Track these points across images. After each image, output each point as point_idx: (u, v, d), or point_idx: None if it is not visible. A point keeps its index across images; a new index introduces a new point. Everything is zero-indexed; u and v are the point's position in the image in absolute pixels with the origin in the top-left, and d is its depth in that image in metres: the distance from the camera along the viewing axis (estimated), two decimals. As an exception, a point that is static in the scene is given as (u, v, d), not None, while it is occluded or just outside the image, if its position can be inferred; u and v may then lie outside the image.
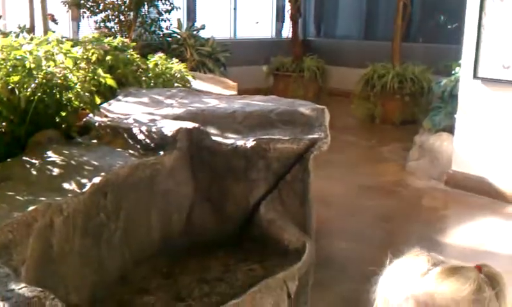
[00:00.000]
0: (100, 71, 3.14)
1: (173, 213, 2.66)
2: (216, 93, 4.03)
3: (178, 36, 7.65)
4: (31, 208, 1.90)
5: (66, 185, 2.16)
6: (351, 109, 7.78)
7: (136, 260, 2.40)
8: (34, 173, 2.25)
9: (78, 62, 3.31)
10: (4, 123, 2.54)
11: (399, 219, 4.62)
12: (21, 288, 1.40)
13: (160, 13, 7.46)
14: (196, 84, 4.37)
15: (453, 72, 5.66)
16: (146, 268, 2.40)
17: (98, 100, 3.04)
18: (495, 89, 4.83)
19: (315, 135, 2.86)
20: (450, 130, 5.34)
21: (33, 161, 2.34)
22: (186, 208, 2.72)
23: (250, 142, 2.74)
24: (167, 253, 2.54)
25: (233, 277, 2.42)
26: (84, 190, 2.14)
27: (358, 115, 7.78)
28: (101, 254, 2.21)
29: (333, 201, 4.78)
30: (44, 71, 2.73)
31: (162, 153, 2.64)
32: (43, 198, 2.01)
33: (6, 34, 3.77)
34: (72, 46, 3.52)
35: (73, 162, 2.37)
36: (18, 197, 2.01)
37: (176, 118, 2.93)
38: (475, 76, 4.90)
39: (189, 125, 2.77)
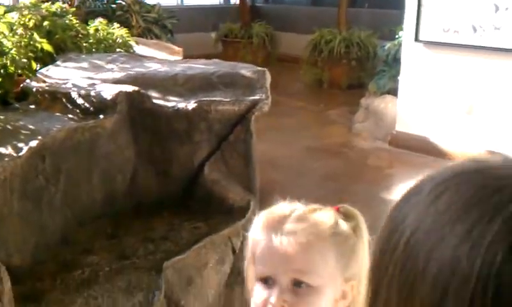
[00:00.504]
0: (36, 36, 3.07)
1: (116, 175, 2.66)
2: (160, 58, 4.00)
3: (123, 3, 7.50)
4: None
5: (2, 150, 2.13)
6: (300, 74, 7.85)
7: (79, 222, 2.40)
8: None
9: (14, 27, 3.22)
10: None
11: (345, 178, 4.74)
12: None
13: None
14: (140, 49, 4.32)
15: (397, 36, 5.78)
16: (90, 230, 2.41)
17: (35, 66, 2.97)
18: (435, 51, 4.98)
19: (256, 97, 2.89)
20: (394, 92, 5.48)
21: (-33, 127, 2.30)
22: (129, 170, 2.72)
23: (191, 104, 2.75)
24: (111, 215, 2.55)
25: (178, 235, 2.45)
26: (20, 154, 2.12)
27: (306, 80, 7.86)
28: (42, 216, 2.20)
29: (280, 163, 4.87)
30: (-24, 36, 2.65)
31: (101, 116, 2.62)
32: (-22, 164, 1.97)
33: None
34: (8, 12, 3.42)
35: (9, 127, 2.33)
36: None
37: (117, 82, 2.90)
38: (416, 39, 5.02)
39: (129, 88, 2.75)
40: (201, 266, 2.35)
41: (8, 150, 2.13)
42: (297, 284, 1.01)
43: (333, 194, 4.48)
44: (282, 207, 1.07)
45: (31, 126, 2.34)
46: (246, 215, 2.69)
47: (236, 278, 2.69)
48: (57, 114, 2.60)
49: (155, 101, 2.79)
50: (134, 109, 2.73)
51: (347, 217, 1.08)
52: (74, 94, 2.73)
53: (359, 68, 7.61)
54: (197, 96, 2.84)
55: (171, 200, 2.73)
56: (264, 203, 3.08)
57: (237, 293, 2.72)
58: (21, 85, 2.94)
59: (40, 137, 2.24)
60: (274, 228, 1.03)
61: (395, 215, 0.52)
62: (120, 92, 2.70)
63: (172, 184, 2.77)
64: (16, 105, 2.71)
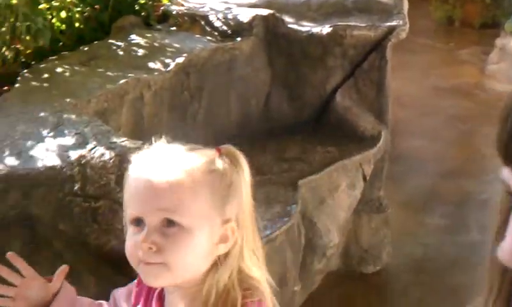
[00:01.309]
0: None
1: (251, 98, 2.73)
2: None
3: None
4: (122, 81, 2.01)
5: (151, 65, 2.26)
6: (429, 10, 7.45)
7: (217, 139, 2.49)
8: (121, 53, 2.36)
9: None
10: (88, 9, 2.64)
11: (475, 120, 4.50)
12: (123, 141, 1.52)
13: None
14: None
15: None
16: (227, 148, 2.51)
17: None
18: None
19: (394, 23, 2.80)
20: (534, 31, 5.05)
21: (118, 43, 2.45)
22: (264, 93, 2.78)
23: (326, 29, 2.73)
24: (245, 135, 2.63)
25: (311, 157, 2.49)
26: (168, 69, 2.24)
27: (435, 17, 7.45)
28: (186, 129, 2.33)
29: (407, 101, 4.71)
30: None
31: (239, 39, 2.68)
32: (131, 75, 2.11)
33: None
34: None
35: (156, 44, 2.46)
36: (108, 73, 2.12)
37: (252, 6, 2.94)
38: None
39: (265, 12, 2.77)
40: (333, 188, 2.38)
41: (157, 65, 2.25)
42: (167, 224, 0.93)
43: (462, 136, 4.29)
44: (157, 146, 1.00)
45: (175, 45, 2.46)
46: (377, 144, 2.66)
47: (364, 206, 2.70)
48: (197, 35, 2.69)
49: (289, 25, 2.80)
50: (269, 32, 2.75)
51: (229, 157, 1.01)
52: (212, 17, 2.80)
53: (494, 6, 7.06)
54: (331, 22, 2.81)
55: (303, 125, 2.77)
56: (392, 141, 3.01)
57: (364, 220, 2.74)
58: (161, 8, 3.07)
59: (185, 55, 2.34)
60: (145, 166, 0.96)
61: None
62: (256, 15, 2.73)
63: (304, 109, 2.80)
64: (159, 27, 2.83)
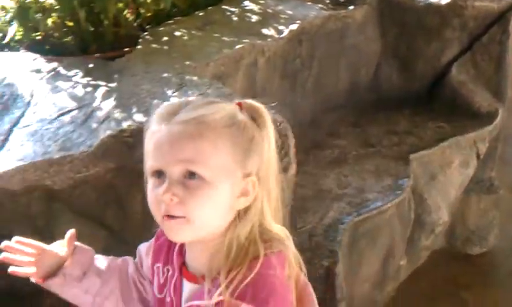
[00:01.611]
0: None
1: (360, 68, 2.68)
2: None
3: None
4: (238, 46, 2.04)
5: (265, 31, 2.27)
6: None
7: (324, 108, 2.49)
8: (235, 19, 2.39)
9: None
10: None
11: None
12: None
13: None
14: None
15: None
16: (334, 117, 2.49)
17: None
18: None
19: (519, -5, 2.63)
20: None
21: (232, 9, 2.48)
22: (374, 64, 2.72)
23: (446, -1, 2.61)
24: (353, 105, 2.60)
25: (422, 132, 2.42)
26: (282, 35, 2.24)
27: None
28: (296, 97, 2.34)
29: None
30: None
31: (352, 7, 2.63)
32: (246, 40, 2.13)
33: None
34: None
35: (269, 11, 2.47)
36: (224, 38, 2.16)
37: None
38: None
39: (380, -21, 2.69)
40: (445, 164, 2.30)
41: (271, 32, 2.26)
42: (189, 176, 0.91)
43: None
44: (179, 100, 1.02)
45: (288, 12, 2.45)
46: (493, 122, 2.54)
47: (474, 186, 2.59)
48: (309, 3, 2.66)
49: (404, -5, 2.70)
50: (383, 1, 2.68)
51: (250, 110, 0.97)
52: (324, -15, 2.76)
53: None
54: (450, -8, 2.68)
55: (412, 98, 2.68)
56: (508, 120, 2.84)
57: (473, 200, 2.63)
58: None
59: (298, 22, 2.33)
60: (166, 119, 0.94)
61: None
62: (371, -17, 2.66)
63: (415, 81, 2.71)
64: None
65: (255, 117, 0.97)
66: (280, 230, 1.01)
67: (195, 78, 1.74)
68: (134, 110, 1.58)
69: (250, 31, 2.24)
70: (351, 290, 1.89)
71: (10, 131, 1.67)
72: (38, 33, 2.23)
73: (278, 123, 1.52)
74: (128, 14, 2.24)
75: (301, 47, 2.34)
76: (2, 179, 1.51)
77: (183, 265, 1.04)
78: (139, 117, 1.55)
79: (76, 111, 1.69)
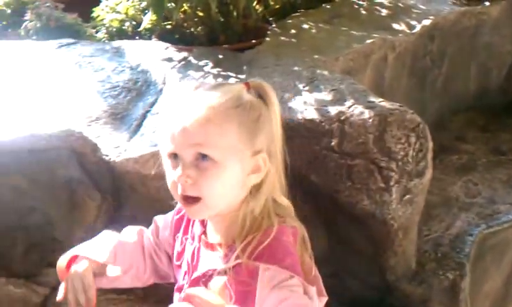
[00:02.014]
0: None
1: (492, 69, 2.52)
2: None
3: None
4: (368, 41, 1.97)
5: (395, 25, 2.18)
6: None
7: (452, 110, 2.37)
8: (364, 12, 2.32)
9: None
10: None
11: None
12: (381, 102, 1.48)
13: None
14: None
15: None
16: (462, 120, 2.36)
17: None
18: None
19: None
20: None
21: (361, 2, 2.41)
22: (507, 65, 2.55)
23: None
24: (482, 108, 2.45)
25: None
26: (413, 31, 2.15)
27: None
28: (424, 96, 2.23)
29: None
30: None
31: (487, 3, 2.47)
32: (375, 35, 2.06)
33: None
34: None
35: (400, 5, 2.37)
36: (352, 32, 2.10)
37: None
38: None
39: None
40: None
41: (401, 27, 2.17)
42: (201, 158, 0.98)
43: None
44: (191, 83, 1.06)
45: (421, 6, 2.35)
46: None
47: None
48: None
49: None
50: (522, -4, 2.49)
51: (257, 89, 1.03)
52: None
53: None
54: None
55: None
56: None
57: None
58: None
59: (431, 17, 2.22)
60: (178, 103, 1.01)
61: None
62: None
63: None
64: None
65: (261, 95, 1.03)
66: (289, 205, 1.07)
67: (326, 72, 1.70)
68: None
69: (380, 25, 2.17)
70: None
71: (144, 116, 1.73)
72: (169, 22, 2.30)
73: (417, 124, 1.45)
74: (257, 5, 2.24)
75: (432, 44, 2.23)
76: (138, 163, 1.56)
77: (203, 234, 1.11)
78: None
79: (206, 100, 1.71)
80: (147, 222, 1.72)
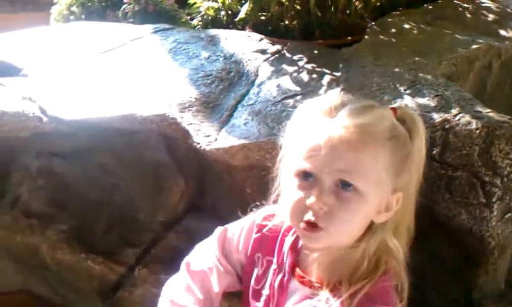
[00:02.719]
0: None
1: None
2: None
3: None
4: (474, 46, 1.87)
5: (502, 32, 2.06)
6: None
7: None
8: (468, 15, 2.21)
9: None
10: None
11: None
12: (489, 112, 1.40)
13: None
14: None
15: None
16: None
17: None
18: None
19: None
20: None
21: (466, 5, 2.30)
22: None
23: None
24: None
25: None
26: (523, 38, 2.02)
27: None
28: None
29: None
30: None
31: None
32: (481, 40, 1.95)
33: None
34: None
35: (508, 10, 2.24)
36: (456, 35, 2.00)
37: None
38: None
39: None
40: None
41: (509, 33, 2.05)
42: (342, 186, 0.87)
43: None
44: (334, 96, 0.92)
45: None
46: None
47: None
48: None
49: None
50: None
51: (405, 119, 0.92)
52: None
53: None
54: None
55: None
56: None
57: None
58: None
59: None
60: (324, 119, 0.89)
61: None
62: None
63: None
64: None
65: (409, 127, 0.92)
66: (397, 249, 0.95)
67: (429, 76, 1.62)
68: (364, 103, 1.51)
69: (486, 30, 2.05)
70: None
71: (235, 107, 1.72)
72: (264, 14, 2.27)
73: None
74: (357, 2, 2.18)
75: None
76: (228, 153, 1.55)
77: (296, 265, 0.99)
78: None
79: (300, 96, 1.67)
80: (226, 212, 1.72)
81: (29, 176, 1.88)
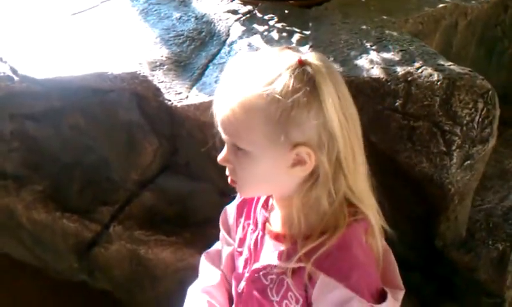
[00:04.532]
0: None
1: None
2: None
3: None
4: (440, 5, 1.91)
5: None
6: None
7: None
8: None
9: None
10: None
11: None
12: (451, 65, 1.44)
13: None
14: None
15: None
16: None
17: None
18: None
19: None
20: None
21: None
22: None
23: None
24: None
25: None
26: (488, -1, 2.07)
27: None
28: (490, 67, 2.16)
29: None
30: None
31: None
32: (448, 0, 1.99)
33: None
34: None
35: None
36: (424, -5, 2.03)
37: None
38: None
39: None
40: None
41: (477, -6, 2.09)
42: (237, 147, 0.95)
43: None
44: (239, 60, 0.97)
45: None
46: None
47: None
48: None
49: None
50: None
51: (309, 68, 0.90)
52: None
53: None
54: None
55: None
56: None
57: None
58: None
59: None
60: (223, 85, 0.97)
61: None
62: None
63: None
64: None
65: (310, 79, 0.90)
66: (366, 195, 0.99)
67: (395, 33, 1.66)
68: (331, 59, 1.55)
69: (453, -9, 2.09)
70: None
71: (206, 66, 1.74)
72: (235, -25, 2.27)
73: (486, 91, 1.40)
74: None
75: (505, 14, 2.14)
76: (198, 109, 1.58)
77: (267, 221, 1.06)
78: (336, 67, 1.52)
79: (270, 54, 1.70)
80: (199, 169, 1.73)
81: (2, 139, 1.90)
